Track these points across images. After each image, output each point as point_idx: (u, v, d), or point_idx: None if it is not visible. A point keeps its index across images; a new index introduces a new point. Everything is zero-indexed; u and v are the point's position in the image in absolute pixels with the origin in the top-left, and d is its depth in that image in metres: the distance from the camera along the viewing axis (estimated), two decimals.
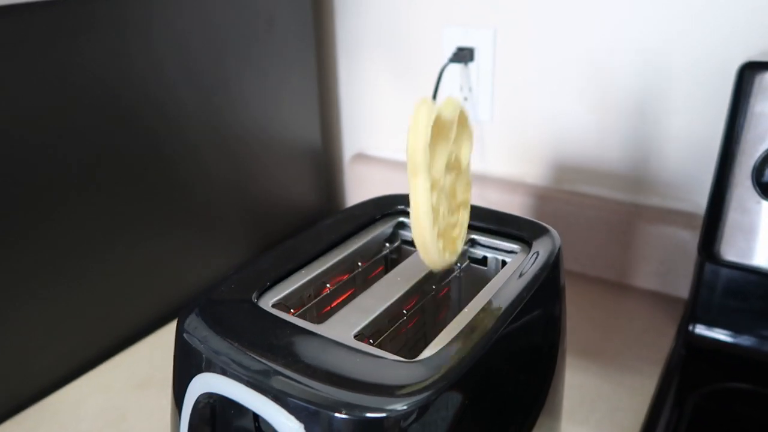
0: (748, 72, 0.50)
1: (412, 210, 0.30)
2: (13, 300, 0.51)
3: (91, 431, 0.51)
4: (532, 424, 0.40)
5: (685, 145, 0.63)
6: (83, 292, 0.56)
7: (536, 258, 0.36)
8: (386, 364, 0.27)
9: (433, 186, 0.30)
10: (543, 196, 0.72)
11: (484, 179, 0.76)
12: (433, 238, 0.30)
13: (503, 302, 0.32)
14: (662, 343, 0.59)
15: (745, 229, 0.50)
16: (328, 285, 0.36)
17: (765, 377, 0.54)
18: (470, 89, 0.75)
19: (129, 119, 0.57)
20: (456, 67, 0.74)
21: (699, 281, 0.57)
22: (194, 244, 0.66)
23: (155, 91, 0.58)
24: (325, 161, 0.85)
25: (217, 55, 0.64)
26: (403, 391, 0.25)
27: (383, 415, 0.24)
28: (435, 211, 0.30)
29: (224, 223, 0.70)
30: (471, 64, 0.74)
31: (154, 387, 0.56)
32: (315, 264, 0.37)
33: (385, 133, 0.84)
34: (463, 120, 0.33)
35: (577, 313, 0.64)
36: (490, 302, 0.32)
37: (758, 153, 0.48)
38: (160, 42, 0.58)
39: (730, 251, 0.51)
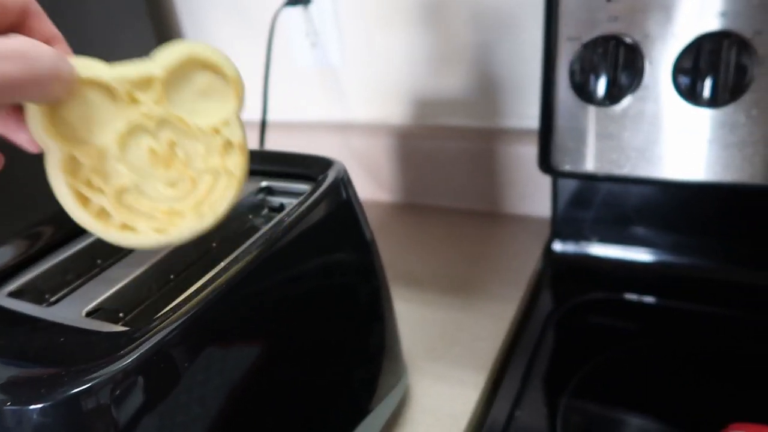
0: None
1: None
2: None
3: None
4: (364, 371, 0.37)
5: (530, 60, 0.60)
6: None
7: (315, 191, 0.33)
8: (99, 338, 0.24)
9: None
10: (406, 135, 0.69)
11: (347, 127, 0.73)
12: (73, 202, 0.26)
13: (258, 245, 0.28)
14: (528, 266, 0.57)
15: (575, 136, 0.48)
16: (86, 263, 0.32)
17: (625, 284, 0.53)
18: (316, 33, 0.71)
19: None
20: (297, 12, 0.70)
21: (554, 197, 0.56)
22: None
23: None
24: None
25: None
26: (94, 361, 0.22)
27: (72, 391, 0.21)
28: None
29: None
30: (311, 7, 0.69)
31: None
32: (70, 245, 0.33)
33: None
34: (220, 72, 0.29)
35: (447, 248, 0.62)
36: (248, 247, 0.29)
37: (572, 54, 0.46)
38: None
39: (565, 161, 0.49)
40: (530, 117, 0.63)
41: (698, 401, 0.40)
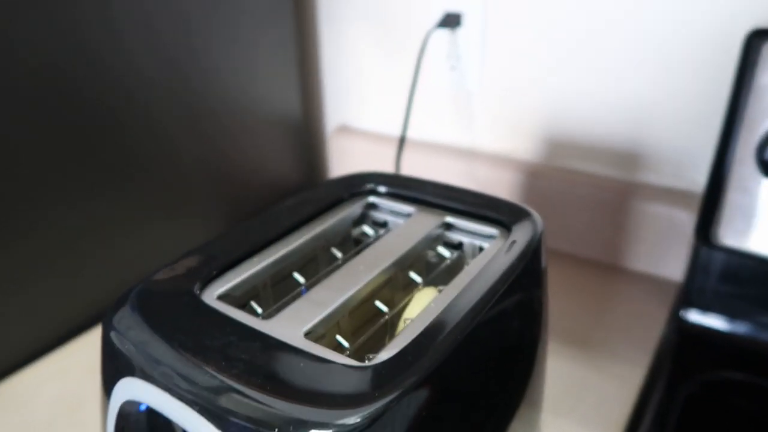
0: (755, 40, 0.46)
1: None
2: None
3: (47, 417, 0.48)
4: (510, 419, 0.37)
5: (683, 119, 0.59)
6: (39, 277, 0.53)
7: (514, 245, 0.32)
8: (336, 370, 0.24)
9: None
10: (533, 173, 0.68)
11: (473, 154, 0.72)
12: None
13: (475, 295, 0.28)
14: (653, 329, 0.56)
15: (746, 211, 0.46)
16: (285, 273, 0.33)
17: (760, 367, 0.51)
18: (458, 57, 0.70)
19: (83, 94, 0.52)
20: (443, 33, 0.70)
21: (694, 265, 0.54)
22: (169, 225, 0.63)
23: (112, 61, 0.54)
24: (306, 134, 0.80)
25: (181, 19, 0.59)
26: (352, 402, 0.22)
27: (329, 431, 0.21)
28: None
29: (201, 202, 0.66)
30: (459, 31, 0.69)
31: None
32: (270, 250, 0.33)
33: (371, 104, 0.80)
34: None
35: (565, 297, 0.61)
36: (459, 295, 0.28)
37: (762, 129, 0.44)
38: (118, 7, 0.53)
39: (729, 235, 0.47)
40: (669, 175, 0.61)
41: None
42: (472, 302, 0.28)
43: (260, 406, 0.22)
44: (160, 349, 0.25)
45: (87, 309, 0.58)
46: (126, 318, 0.27)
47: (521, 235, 0.33)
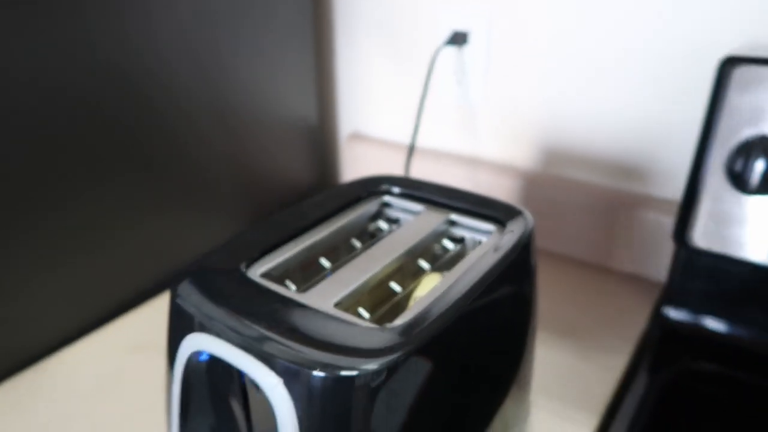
0: (727, 66, 0.52)
1: None
2: (11, 268, 0.54)
3: (88, 392, 0.54)
4: (503, 395, 0.42)
5: (668, 133, 0.65)
6: (79, 262, 0.59)
7: (509, 237, 0.38)
8: (360, 330, 0.30)
9: None
10: (531, 180, 0.74)
11: (476, 162, 0.78)
12: None
13: (474, 277, 0.34)
14: (637, 324, 0.61)
15: (717, 217, 0.52)
16: (313, 258, 0.39)
17: (732, 359, 0.56)
18: (464, 72, 0.77)
19: (131, 94, 0.59)
20: (450, 50, 0.76)
21: (674, 266, 0.60)
22: (189, 215, 0.69)
23: (154, 66, 0.60)
24: (321, 139, 0.87)
25: (213, 29, 0.66)
26: (374, 354, 0.28)
27: (354, 373, 0.27)
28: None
29: (220, 196, 0.72)
30: (465, 48, 0.75)
31: (149, 351, 0.58)
32: (302, 238, 0.39)
33: (382, 113, 0.86)
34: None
35: (558, 293, 0.66)
36: (460, 278, 0.34)
37: (732, 144, 0.50)
38: (158, 15, 0.59)
39: (703, 238, 0.53)
40: (656, 184, 0.67)
41: None
42: (471, 283, 0.34)
43: (301, 353, 0.28)
44: (217, 311, 0.31)
45: (124, 293, 0.64)
46: (187, 287, 0.33)
47: (514, 230, 0.39)
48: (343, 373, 0.27)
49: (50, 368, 0.56)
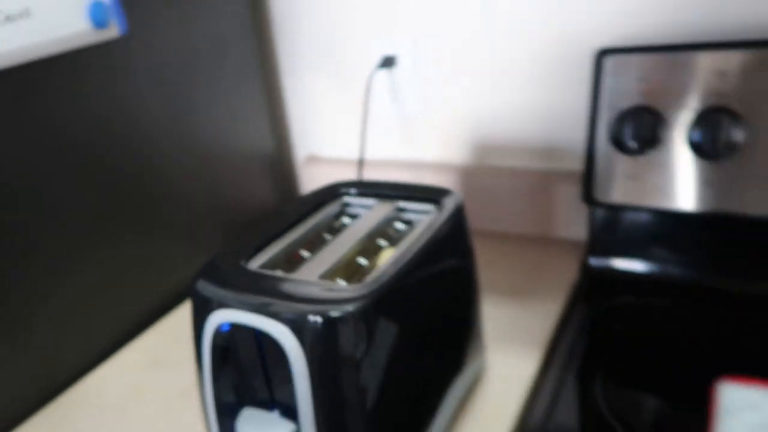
0: (601, 56, 0.65)
1: None
2: (39, 309, 0.63)
3: (118, 406, 0.63)
4: (462, 337, 0.53)
5: (567, 115, 0.78)
6: (88, 293, 0.68)
7: (443, 212, 0.50)
8: (337, 289, 0.40)
9: None
10: (469, 173, 0.86)
11: (419, 165, 0.90)
12: None
13: (418, 243, 0.45)
14: (571, 278, 0.74)
15: (611, 177, 0.65)
16: (295, 251, 0.50)
17: (644, 290, 0.69)
18: (397, 90, 0.89)
19: (112, 134, 0.69)
20: (384, 72, 0.88)
21: (590, 223, 0.72)
22: (172, 241, 0.78)
23: (133, 111, 0.70)
24: (279, 164, 0.97)
25: (175, 86, 0.76)
26: (349, 301, 0.38)
27: (338, 314, 0.38)
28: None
29: (197, 222, 0.82)
30: (396, 69, 0.87)
31: (162, 367, 0.68)
32: (283, 238, 0.50)
33: (332, 135, 0.98)
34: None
35: (503, 264, 0.78)
36: (409, 246, 0.45)
37: (610, 118, 0.63)
38: (139, 73, 0.70)
39: (604, 195, 0.66)
40: (574, 160, 0.80)
41: (702, 376, 0.56)
42: (416, 248, 0.45)
43: (299, 307, 0.38)
44: (231, 293, 0.41)
45: (128, 318, 0.73)
46: (203, 282, 0.43)
47: (447, 205, 0.51)
48: (331, 314, 0.37)
49: (81, 390, 0.65)
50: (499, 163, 0.85)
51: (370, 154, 0.94)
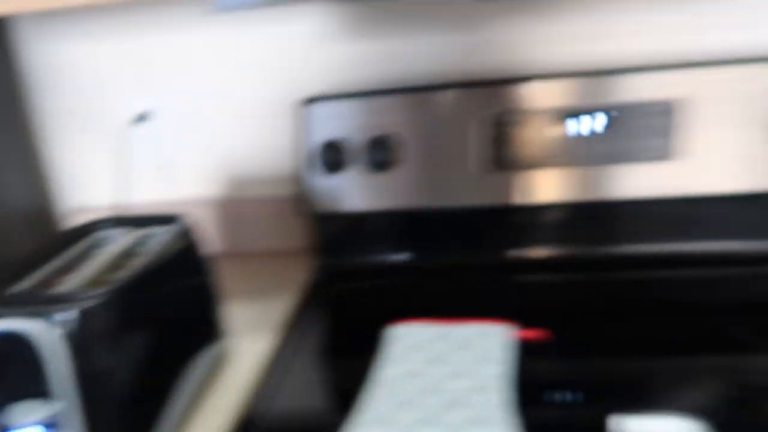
0: (307, 104, 0.87)
1: None
2: None
3: None
4: (200, 332, 0.69)
5: (287, 147, 0.99)
6: None
7: (170, 233, 0.66)
8: (77, 291, 0.55)
9: None
10: (224, 205, 1.03)
11: (179, 203, 1.05)
12: None
13: (145, 258, 0.61)
14: (304, 275, 0.94)
15: (322, 191, 0.86)
16: (55, 277, 0.62)
17: (364, 277, 0.91)
18: (152, 139, 1.03)
19: None
20: (141, 126, 1.02)
21: (315, 230, 0.93)
22: None
23: None
24: (47, 219, 1.05)
25: None
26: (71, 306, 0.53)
27: (79, 310, 0.52)
28: None
29: None
30: (152, 122, 1.02)
31: None
32: (46, 266, 0.62)
33: (100, 188, 1.08)
34: None
35: (255, 276, 0.96)
36: (140, 260, 0.61)
37: (313, 148, 0.85)
38: None
39: (319, 207, 0.87)
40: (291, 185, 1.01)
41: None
42: (144, 262, 0.60)
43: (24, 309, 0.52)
44: None
45: None
46: None
47: (176, 227, 0.67)
48: (72, 309, 0.52)
49: None
50: (247, 193, 1.04)
51: (136, 198, 1.07)
